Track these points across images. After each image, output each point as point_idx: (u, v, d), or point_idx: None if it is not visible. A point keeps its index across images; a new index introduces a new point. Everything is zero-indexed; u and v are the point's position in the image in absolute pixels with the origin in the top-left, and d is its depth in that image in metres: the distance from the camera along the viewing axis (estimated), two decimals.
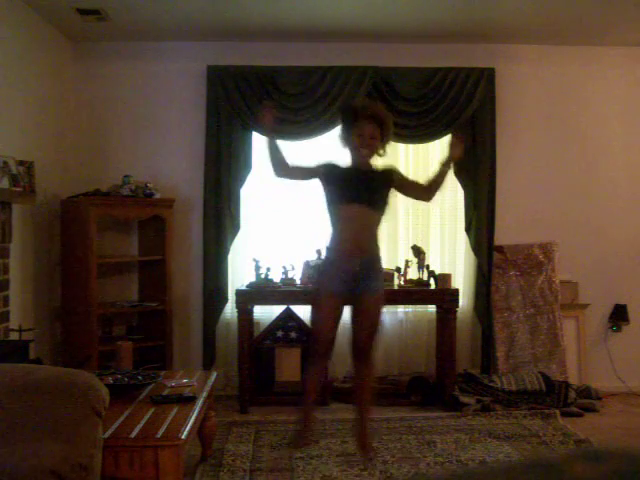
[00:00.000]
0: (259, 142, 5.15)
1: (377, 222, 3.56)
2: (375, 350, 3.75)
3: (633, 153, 5.38)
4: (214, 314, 5.08)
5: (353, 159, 3.60)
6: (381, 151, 3.60)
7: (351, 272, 3.48)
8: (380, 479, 3.48)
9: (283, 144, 3.70)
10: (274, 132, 3.60)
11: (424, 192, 3.66)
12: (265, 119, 3.55)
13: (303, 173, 3.67)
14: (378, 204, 3.52)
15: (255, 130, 5.10)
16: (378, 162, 3.65)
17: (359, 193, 3.47)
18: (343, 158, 3.65)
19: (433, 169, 3.74)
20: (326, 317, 3.55)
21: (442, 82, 5.11)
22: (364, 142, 3.51)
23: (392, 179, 3.60)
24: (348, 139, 3.56)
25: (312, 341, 3.73)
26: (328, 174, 3.55)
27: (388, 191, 3.58)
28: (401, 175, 3.71)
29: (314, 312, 3.66)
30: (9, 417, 2.25)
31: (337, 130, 3.65)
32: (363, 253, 3.50)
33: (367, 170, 3.57)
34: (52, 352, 4.74)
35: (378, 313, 3.62)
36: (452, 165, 3.64)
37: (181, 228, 5.16)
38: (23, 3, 4.28)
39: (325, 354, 3.63)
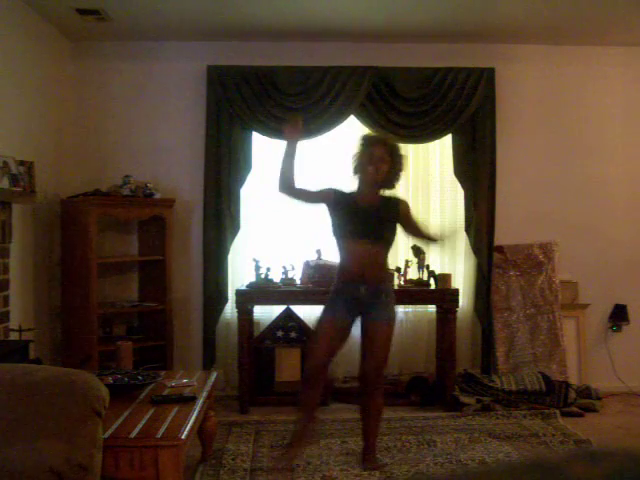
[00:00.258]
0: (259, 142, 5.17)
1: (382, 255, 3.56)
2: (382, 380, 3.75)
3: (633, 153, 5.38)
4: (214, 314, 5.08)
5: (360, 186, 3.59)
6: (389, 179, 3.57)
7: (355, 300, 3.51)
8: (380, 479, 3.48)
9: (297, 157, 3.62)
10: (296, 145, 3.55)
11: (426, 240, 3.74)
12: (292, 131, 3.54)
13: (309, 196, 3.64)
14: (383, 240, 3.53)
15: (256, 131, 5.11)
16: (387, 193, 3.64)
17: (364, 231, 3.48)
18: (349, 186, 3.65)
19: (445, 225, 3.75)
20: (323, 342, 3.54)
21: (442, 82, 5.11)
22: (373, 162, 3.51)
23: (398, 210, 3.58)
24: (359, 162, 3.56)
25: (306, 361, 3.74)
26: (336, 203, 3.55)
27: (394, 224, 3.58)
28: (408, 211, 3.66)
29: (314, 335, 3.69)
30: (9, 417, 2.25)
31: (351, 159, 3.64)
32: (367, 282, 3.50)
33: (373, 202, 3.55)
34: (52, 352, 4.74)
35: (385, 343, 3.58)
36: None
37: (181, 228, 5.16)
38: (23, 3, 4.28)
39: (315, 377, 3.55)
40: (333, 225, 3.58)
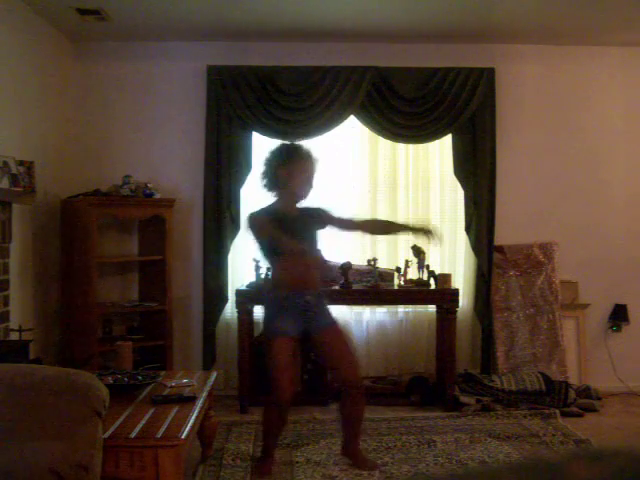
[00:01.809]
0: (259, 142, 5.16)
1: (318, 261, 3.49)
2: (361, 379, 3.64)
3: (633, 153, 5.38)
4: (214, 314, 5.08)
5: (283, 201, 3.43)
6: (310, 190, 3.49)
7: (303, 309, 3.37)
8: (380, 479, 3.48)
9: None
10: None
11: (360, 229, 3.69)
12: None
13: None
14: (315, 247, 3.45)
15: (256, 131, 5.10)
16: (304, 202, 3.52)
17: (302, 242, 3.33)
18: (266, 203, 3.50)
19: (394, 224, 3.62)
20: (287, 362, 3.36)
21: (442, 82, 5.11)
22: (308, 181, 3.40)
23: (322, 219, 3.50)
24: (283, 178, 3.37)
25: (273, 388, 3.39)
26: (268, 223, 3.36)
27: (319, 231, 3.50)
28: (331, 214, 3.55)
29: (272, 359, 3.37)
30: (9, 417, 2.25)
31: (262, 173, 3.45)
32: (311, 289, 3.42)
33: (298, 213, 3.44)
34: (52, 352, 4.74)
35: (349, 342, 3.53)
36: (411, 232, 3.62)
37: (181, 228, 5.16)
38: (23, 3, 4.28)
39: (288, 400, 3.39)
40: (263, 245, 3.38)
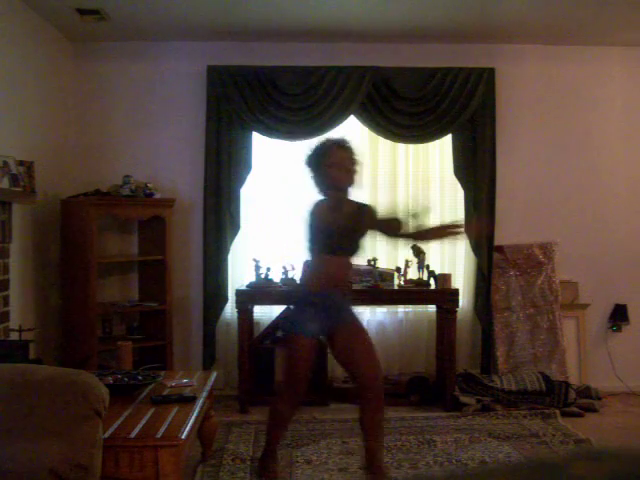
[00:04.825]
0: (259, 142, 5.17)
1: (352, 264, 3.46)
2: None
3: (633, 153, 5.38)
4: (214, 314, 5.08)
5: (332, 197, 3.31)
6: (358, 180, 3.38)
7: (329, 307, 3.29)
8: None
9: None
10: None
11: (394, 229, 3.41)
12: None
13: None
14: (357, 253, 3.37)
15: (256, 131, 5.10)
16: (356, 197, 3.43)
17: (344, 246, 3.29)
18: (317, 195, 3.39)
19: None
20: (304, 369, 3.28)
21: (442, 82, 5.11)
22: (342, 169, 3.28)
23: (367, 219, 3.36)
24: (323, 175, 3.28)
25: (286, 386, 3.36)
26: (319, 216, 3.28)
27: (365, 235, 3.39)
28: (376, 215, 3.43)
29: (294, 353, 3.31)
30: (9, 417, 2.25)
31: (308, 176, 3.34)
32: (342, 288, 3.39)
33: (350, 212, 3.31)
34: (52, 352, 4.74)
35: (370, 338, 3.41)
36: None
37: (181, 228, 5.16)
38: (23, 3, 4.28)
39: (303, 392, 3.34)
40: (313, 238, 3.30)
